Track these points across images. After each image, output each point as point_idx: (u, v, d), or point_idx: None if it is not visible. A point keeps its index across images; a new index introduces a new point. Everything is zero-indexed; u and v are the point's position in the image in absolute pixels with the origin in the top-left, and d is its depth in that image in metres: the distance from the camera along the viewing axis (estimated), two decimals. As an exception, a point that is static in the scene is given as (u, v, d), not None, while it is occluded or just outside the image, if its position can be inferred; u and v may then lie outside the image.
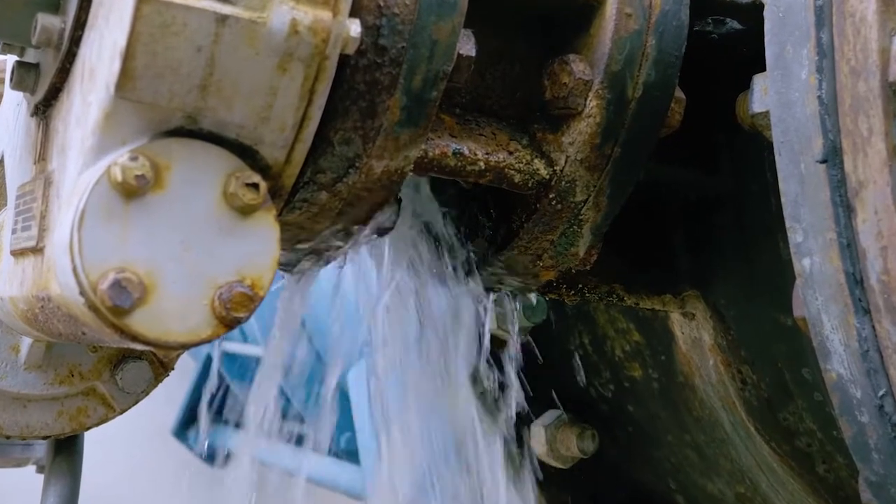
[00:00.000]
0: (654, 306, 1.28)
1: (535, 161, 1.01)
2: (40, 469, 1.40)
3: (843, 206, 0.82)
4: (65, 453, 1.33)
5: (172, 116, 0.74)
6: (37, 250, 0.83)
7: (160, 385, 1.27)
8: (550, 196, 1.02)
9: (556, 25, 1.04)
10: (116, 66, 0.72)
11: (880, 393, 0.81)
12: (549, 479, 1.53)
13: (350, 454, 3.08)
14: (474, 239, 1.11)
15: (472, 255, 1.11)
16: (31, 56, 0.93)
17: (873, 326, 0.81)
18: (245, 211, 0.76)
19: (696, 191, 1.27)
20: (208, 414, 3.95)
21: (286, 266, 1.02)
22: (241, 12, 0.73)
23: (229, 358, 3.94)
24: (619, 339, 1.47)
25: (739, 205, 1.23)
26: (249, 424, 1.10)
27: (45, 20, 0.83)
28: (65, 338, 0.88)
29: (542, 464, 1.52)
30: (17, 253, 0.90)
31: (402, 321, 1.26)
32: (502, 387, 1.28)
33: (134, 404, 1.27)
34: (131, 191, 0.73)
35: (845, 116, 0.81)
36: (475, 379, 1.39)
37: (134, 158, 0.73)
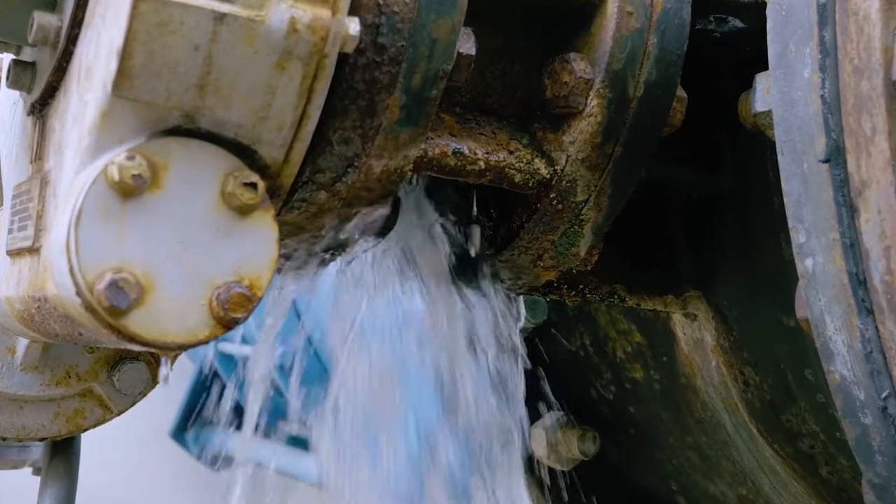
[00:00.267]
0: (656, 307, 1.27)
1: (536, 160, 1.01)
2: (37, 471, 1.39)
3: (846, 206, 0.81)
4: (61, 455, 1.32)
5: (170, 115, 0.74)
6: (33, 250, 0.83)
7: (157, 387, 1.26)
8: (551, 196, 1.01)
9: (556, 24, 1.03)
10: (113, 65, 0.71)
11: (884, 394, 0.81)
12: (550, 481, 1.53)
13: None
14: (474, 239, 1.11)
15: (471, 255, 1.10)
16: (27, 54, 0.93)
17: (877, 327, 0.80)
18: (243, 211, 0.75)
19: (698, 190, 1.26)
20: (206, 416, 3.94)
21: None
22: (240, 10, 0.72)
23: (227, 359, 3.93)
24: (620, 340, 1.46)
25: (742, 204, 1.23)
26: (247, 424, 1.09)
27: (41, 18, 0.82)
28: (61, 339, 0.88)
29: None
30: (14, 253, 0.89)
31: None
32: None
33: (131, 406, 1.27)
34: (128, 190, 0.72)
35: (848, 115, 0.80)
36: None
37: (131, 158, 0.73)
